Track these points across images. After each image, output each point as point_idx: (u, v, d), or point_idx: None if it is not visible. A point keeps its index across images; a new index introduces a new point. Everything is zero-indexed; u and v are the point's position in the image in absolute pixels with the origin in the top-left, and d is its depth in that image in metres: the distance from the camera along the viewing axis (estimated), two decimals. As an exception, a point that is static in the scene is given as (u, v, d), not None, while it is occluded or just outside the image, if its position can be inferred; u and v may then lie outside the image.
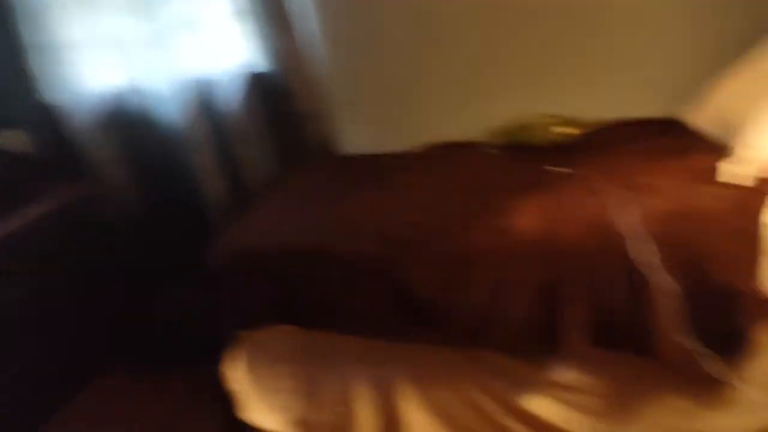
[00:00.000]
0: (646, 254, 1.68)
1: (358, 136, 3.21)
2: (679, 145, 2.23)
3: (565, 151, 2.46)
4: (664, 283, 1.65)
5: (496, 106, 2.74)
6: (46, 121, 3.04)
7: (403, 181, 2.45)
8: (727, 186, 1.83)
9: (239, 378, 2.21)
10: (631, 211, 1.79)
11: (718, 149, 2.07)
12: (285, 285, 2.06)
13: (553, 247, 1.79)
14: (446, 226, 2.00)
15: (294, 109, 3.16)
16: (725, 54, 2.39)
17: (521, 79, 2.89)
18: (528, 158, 2.46)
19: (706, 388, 1.78)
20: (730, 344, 1.69)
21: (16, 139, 3.05)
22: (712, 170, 1.94)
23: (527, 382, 1.91)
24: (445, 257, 1.90)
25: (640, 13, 2.77)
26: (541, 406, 1.90)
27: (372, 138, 3.14)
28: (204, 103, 3.13)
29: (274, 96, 3.15)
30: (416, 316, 1.89)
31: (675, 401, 1.82)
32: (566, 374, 1.86)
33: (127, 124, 3.11)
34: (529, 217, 1.92)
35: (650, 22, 2.76)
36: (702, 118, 2.31)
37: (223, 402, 2.22)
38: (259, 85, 3.14)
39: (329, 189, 2.53)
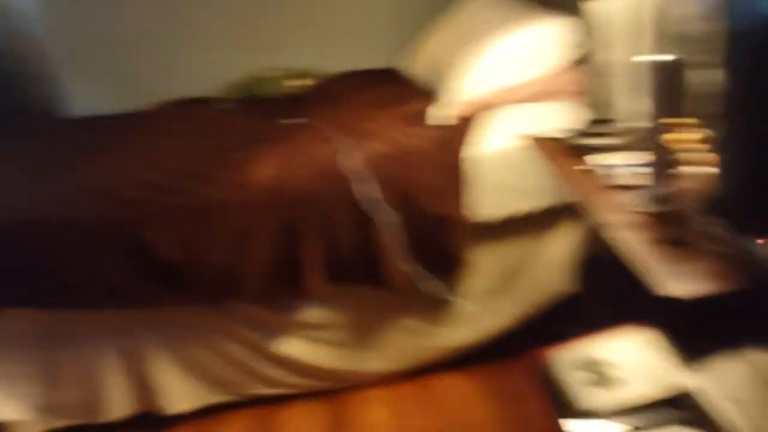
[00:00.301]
0: (370, 193, 1.83)
1: (85, 97, 2.95)
2: (397, 93, 2.42)
3: (298, 102, 2.54)
4: (386, 217, 1.83)
5: (229, 60, 2.72)
6: None
7: (139, 142, 2.33)
8: (435, 128, 2.05)
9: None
10: (355, 155, 1.93)
11: (430, 95, 2.30)
12: (17, 264, 1.87)
13: (287, 193, 1.86)
14: (185, 185, 1.96)
15: (10, 71, 2.80)
16: (437, 7, 2.64)
17: (253, 32, 2.89)
18: (263, 111, 2.49)
19: (431, 308, 2.02)
20: (446, 265, 1.94)
21: None
22: (423, 114, 2.16)
23: (276, 327, 1.99)
24: (186, 215, 1.87)
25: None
26: (291, 347, 2.00)
27: (101, 98, 2.91)
28: None
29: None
30: (164, 278, 1.85)
31: (407, 322, 2.04)
32: (311, 313, 1.98)
33: None
34: (264, 168, 1.96)
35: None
36: (416, 67, 2.54)
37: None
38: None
39: (57, 156, 2.31)
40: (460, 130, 2.00)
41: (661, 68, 1.08)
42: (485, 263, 2.02)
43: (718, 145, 1.04)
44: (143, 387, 2.01)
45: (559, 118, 1.79)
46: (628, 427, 0.92)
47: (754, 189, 1.00)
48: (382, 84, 2.59)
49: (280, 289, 1.89)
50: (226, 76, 2.71)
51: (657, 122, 1.16)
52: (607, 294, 1.67)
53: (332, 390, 2.10)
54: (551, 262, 2.05)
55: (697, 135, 1.21)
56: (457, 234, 1.91)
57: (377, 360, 2.07)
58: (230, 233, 1.86)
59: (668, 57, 1.07)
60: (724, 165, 1.03)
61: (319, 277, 1.86)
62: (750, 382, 0.93)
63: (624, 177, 1.36)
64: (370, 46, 2.91)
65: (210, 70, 2.72)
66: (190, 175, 2.01)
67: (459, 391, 2.05)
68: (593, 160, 1.47)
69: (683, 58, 1.07)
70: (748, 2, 0.90)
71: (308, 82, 2.71)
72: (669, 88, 1.09)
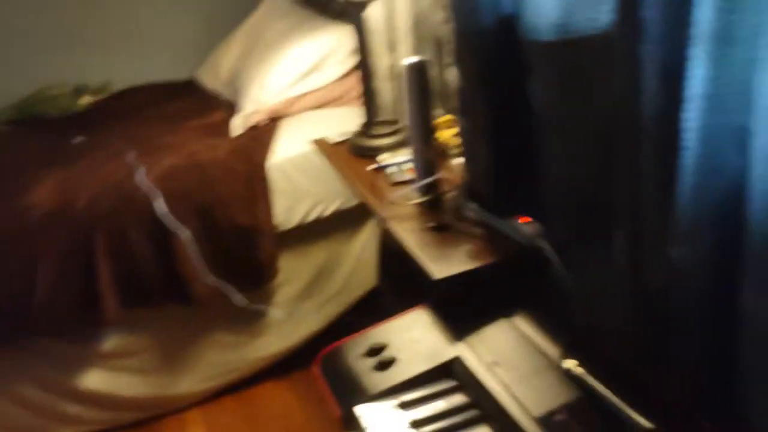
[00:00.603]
0: (163, 208, 1.78)
1: None
2: (197, 105, 2.38)
3: (91, 119, 2.40)
4: (183, 232, 1.78)
5: (9, 78, 2.50)
6: None
7: None
8: (235, 138, 2.04)
9: None
10: (151, 171, 1.86)
11: (229, 106, 2.29)
12: None
13: (74, 216, 1.75)
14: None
15: None
16: (236, 18, 2.62)
17: (37, 47, 2.67)
18: (46, 131, 2.32)
19: (242, 320, 2.00)
20: (254, 276, 1.93)
21: None
22: (226, 124, 2.14)
23: (76, 360, 1.86)
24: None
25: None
26: (94, 380, 1.88)
27: None
28: None
29: None
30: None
31: (219, 337, 2.00)
32: (112, 341, 1.87)
33: None
34: (45, 192, 1.82)
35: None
36: (215, 79, 2.50)
37: None
38: None
39: None
40: (259, 139, 2.00)
41: (410, 70, 1.17)
42: (293, 269, 2.03)
43: (461, 136, 1.15)
44: None
45: (347, 122, 1.86)
46: (397, 402, 0.98)
47: (494, 175, 1.11)
48: (182, 96, 2.52)
49: (74, 318, 1.77)
50: (6, 96, 2.48)
51: (417, 120, 1.25)
52: (399, 283, 1.76)
53: (144, 419, 2.00)
54: (356, 261, 2.12)
55: (454, 129, 1.32)
56: (262, 243, 1.90)
57: (191, 381, 2.00)
58: (11, 264, 1.71)
59: (414, 59, 1.16)
60: (467, 155, 1.14)
61: (116, 302, 1.77)
62: (512, 343, 1.03)
63: (399, 173, 1.44)
64: (170, 58, 2.82)
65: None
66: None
67: (278, 399, 2.05)
68: (376, 159, 1.55)
69: (427, 59, 1.16)
70: (469, 5, 1.00)
71: (98, 97, 2.56)
72: (418, 88, 1.18)
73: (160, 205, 1.78)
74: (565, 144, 1.04)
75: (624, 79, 0.83)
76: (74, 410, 1.90)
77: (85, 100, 2.56)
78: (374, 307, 2.04)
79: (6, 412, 1.84)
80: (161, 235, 1.80)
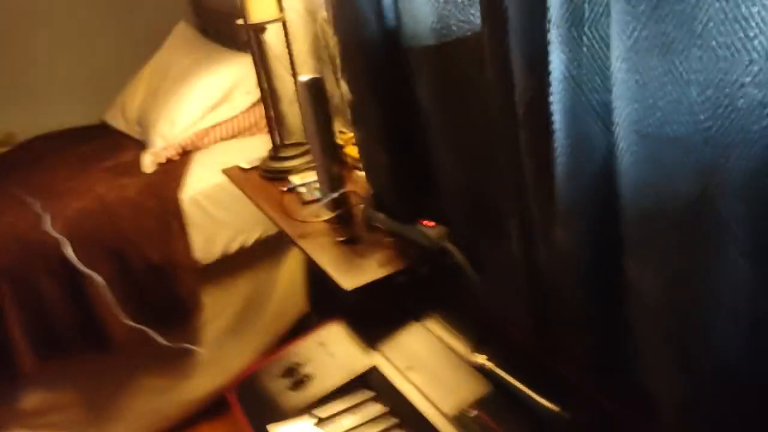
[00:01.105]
0: (72, 255, 1.71)
1: None
2: (106, 146, 2.31)
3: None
4: (95, 278, 1.71)
5: None
6: None
7: None
8: (146, 176, 1.99)
9: None
10: (57, 218, 1.79)
11: (139, 145, 2.24)
12: None
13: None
14: None
15: None
16: (140, 57, 2.58)
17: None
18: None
19: (169, 361, 1.93)
20: (176, 314, 1.88)
21: None
22: (137, 163, 2.09)
23: (-7, 424, 1.76)
24: None
25: (65, 34, 2.76)
26: (14, 442, 1.77)
27: None
28: None
29: None
30: None
31: (147, 382, 1.92)
32: (31, 398, 1.77)
33: None
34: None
35: (73, 41, 2.78)
36: (123, 119, 2.45)
37: None
38: None
39: None
40: (170, 173, 1.96)
41: (304, 87, 1.17)
42: (218, 304, 1.99)
43: (358, 147, 1.15)
44: None
45: (260, 150, 1.85)
46: (314, 419, 0.96)
47: (393, 183, 1.12)
48: (91, 140, 2.45)
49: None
50: None
51: (317, 136, 1.25)
52: (326, 304, 1.74)
53: (74, 478, 1.90)
54: (284, 288, 2.08)
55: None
56: (180, 279, 1.85)
57: (121, 431, 1.92)
58: None
59: (308, 77, 1.17)
60: (366, 165, 1.14)
61: (31, 355, 1.68)
62: (425, 345, 1.03)
63: (309, 192, 1.44)
64: (77, 103, 2.75)
65: None
66: None
67: (216, 439, 1.99)
68: (286, 182, 1.54)
69: (321, 77, 1.17)
70: (351, 16, 1.02)
71: (6, 149, 2.47)
72: (315, 105, 1.18)
73: (69, 252, 1.71)
74: (453, 144, 1.06)
75: (497, 72, 0.86)
76: (-5, 478, 1.78)
77: (-12, 151, 2.46)
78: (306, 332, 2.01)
79: None
80: (73, 282, 1.72)
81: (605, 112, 0.74)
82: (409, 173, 1.13)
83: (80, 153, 2.32)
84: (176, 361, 1.94)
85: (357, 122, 1.11)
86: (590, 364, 0.85)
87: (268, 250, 2.05)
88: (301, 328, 2.10)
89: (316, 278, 1.98)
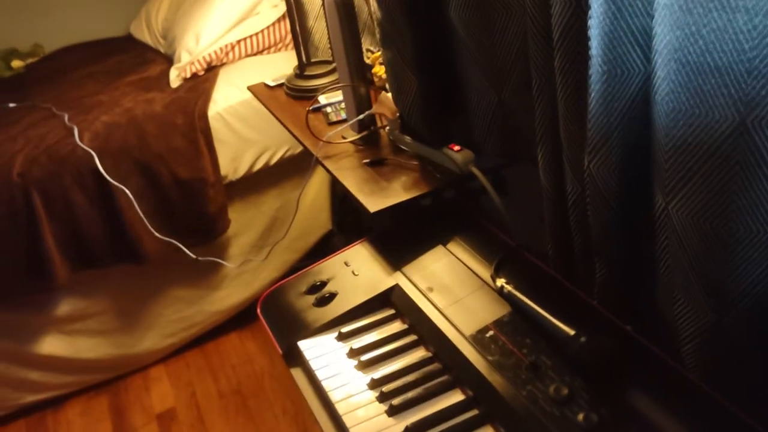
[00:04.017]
0: (105, 168, 1.74)
1: None
2: (133, 60, 2.31)
3: (23, 83, 2.31)
4: (121, 190, 1.75)
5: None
6: None
7: None
8: (173, 90, 1.99)
9: None
10: (84, 130, 1.81)
11: (166, 59, 2.22)
12: None
13: (11, 182, 1.70)
14: None
15: None
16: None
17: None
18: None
19: (198, 274, 1.99)
20: (205, 229, 1.92)
21: None
22: (163, 78, 2.08)
23: (32, 328, 1.84)
24: None
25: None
26: (51, 346, 1.87)
27: None
28: None
29: None
30: None
31: (176, 293, 1.99)
32: (66, 306, 1.85)
33: None
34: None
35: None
36: (149, 32, 2.42)
37: None
38: None
39: None
40: (197, 90, 1.95)
41: (332, 2, 1.14)
42: (245, 220, 2.03)
43: (386, 69, 1.13)
44: None
45: (287, 67, 1.82)
46: (337, 334, 1.00)
47: (422, 105, 1.11)
48: (117, 53, 2.44)
49: (24, 286, 1.74)
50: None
51: (345, 55, 1.23)
52: (350, 223, 1.77)
53: (109, 380, 2.01)
54: (308, 206, 2.11)
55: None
56: (209, 195, 1.88)
57: (152, 338, 2.01)
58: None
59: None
60: (394, 87, 1.12)
61: (65, 265, 1.75)
62: (447, 268, 1.04)
63: (336, 113, 1.43)
64: (103, 15, 2.71)
65: None
66: None
67: (241, 349, 2.07)
68: (311, 101, 1.53)
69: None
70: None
71: (34, 60, 2.47)
72: (343, 22, 1.15)
73: (99, 165, 1.74)
74: (484, 67, 1.03)
75: (533, -6, 0.83)
76: (36, 377, 1.89)
77: (16, 64, 2.46)
78: (330, 249, 2.05)
79: (-35, 385, 1.83)
80: (103, 195, 1.76)
81: (645, 39, 0.72)
82: (438, 96, 1.11)
83: (107, 66, 2.32)
84: (204, 273, 2.00)
85: (386, 42, 1.08)
86: (611, 291, 0.86)
87: (293, 168, 2.06)
88: (323, 245, 2.14)
89: (340, 198, 2.00)
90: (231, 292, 2.08)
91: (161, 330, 2.02)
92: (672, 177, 0.73)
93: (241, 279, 2.07)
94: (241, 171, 1.95)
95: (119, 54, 2.39)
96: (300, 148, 2.00)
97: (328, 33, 1.55)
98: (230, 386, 1.95)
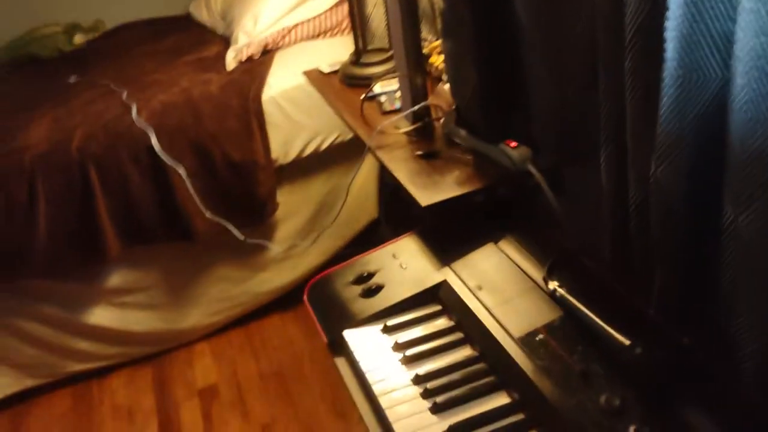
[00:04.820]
0: (160, 146, 1.77)
1: None
2: (191, 40, 2.34)
3: (83, 59, 2.37)
4: (180, 169, 1.78)
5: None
6: None
7: None
8: (229, 72, 2.01)
9: None
10: (142, 108, 1.84)
11: (223, 40, 2.24)
12: None
13: (70, 156, 1.74)
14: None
15: None
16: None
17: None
18: (40, 72, 2.30)
19: (244, 255, 2.02)
20: (254, 211, 1.94)
21: None
22: (219, 59, 2.10)
23: (83, 299, 1.90)
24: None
25: None
26: (100, 317, 1.92)
27: None
28: None
29: None
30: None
31: (222, 272, 2.02)
32: (116, 278, 1.90)
33: None
34: (44, 131, 1.82)
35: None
36: (208, 12, 2.45)
37: None
38: None
39: None
40: (252, 72, 1.97)
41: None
42: (293, 204, 2.04)
43: (446, 60, 1.11)
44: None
45: (342, 53, 1.82)
46: (382, 326, 0.99)
47: (481, 99, 1.08)
48: (176, 32, 2.48)
49: (77, 258, 1.79)
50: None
51: (404, 44, 1.21)
52: (397, 214, 1.75)
53: (154, 353, 2.06)
54: (355, 193, 2.11)
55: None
56: (260, 178, 1.90)
57: (198, 315, 2.04)
58: (9, 206, 1.72)
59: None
60: (453, 79, 1.10)
61: (117, 240, 1.79)
62: (497, 267, 1.03)
63: (390, 102, 1.41)
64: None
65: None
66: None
67: (283, 331, 2.09)
68: (366, 89, 1.52)
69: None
70: None
71: (89, 36, 2.52)
72: (404, 9, 1.13)
73: (155, 143, 1.77)
74: (549, 64, 1.00)
75: (606, -10, 0.80)
76: (84, 346, 1.95)
77: (78, 39, 2.52)
78: (375, 238, 2.05)
79: (16, 349, 1.89)
80: (158, 173, 1.80)
81: (725, 44, 0.69)
82: (498, 90, 1.09)
83: (165, 45, 2.35)
84: (250, 255, 2.03)
85: (447, 32, 1.06)
86: (670, 301, 0.83)
87: (342, 154, 2.06)
88: (369, 233, 2.14)
89: (388, 187, 1.99)
90: (276, 275, 2.10)
91: (207, 308, 2.06)
92: (745, 189, 0.70)
93: (286, 262, 2.09)
94: (292, 155, 1.96)
95: (178, 33, 2.43)
96: (350, 135, 2.00)
97: (387, 20, 1.54)
98: (271, 368, 1.97)
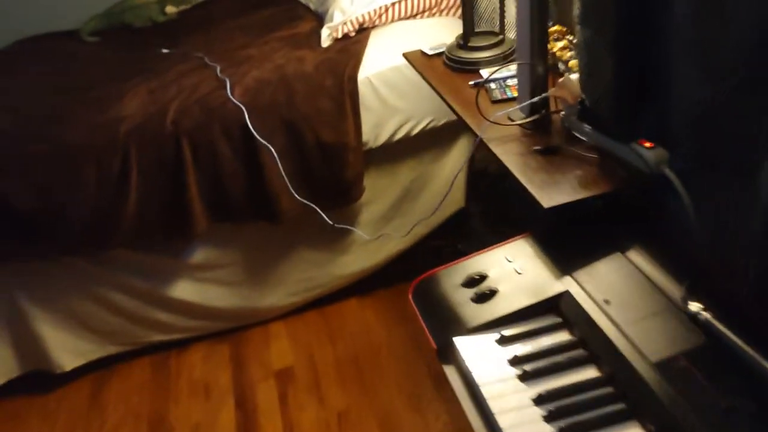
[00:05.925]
0: (252, 124, 1.73)
1: None
2: (283, 15, 2.29)
3: (175, 30, 2.36)
4: (267, 148, 1.74)
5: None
6: None
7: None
8: (322, 50, 1.95)
9: None
10: (235, 84, 1.81)
11: (317, 16, 2.19)
12: None
13: (162, 129, 1.73)
14: (40, 130, 1.79)
15: None
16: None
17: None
18: (136, 42, 2.31)
19: (327, 237, 1.98)
20: (340, 193, 1.89)
21: None
22: (313, 36, 2.05)
23: (164, 271, 1.90)
24: (42, 162, 1.71)
25: None
26: (182, 290, 1.92)
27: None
28: None
29: None
30: (21, 230, 1.70)
31: (303, 254, 1.99)
32: (200, 254, 1.89)
33: None
34: (132, 104, 1.82)
35: None
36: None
37: None
38: None
39: None
40: (348, 51, 1.91)
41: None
42: (379, 189, 1.98)
43: (580, 49, 1.02)
44: (28, 346, 1.88)
45: (440, 34, 1.73)
46: (497, 336, 0.92)
47: (616, 93, 0.99)
48: (268, 5, 2.44)
49: (164, 231, 1.79)
50: (92, 5, 2.47)
51: (529, 30, 1.12)
52: (490, 208, 1.67)
53: (231, 329, 2.05)
54: (443, 181, 2.03)
55: (563, 41, 1.18)
56: (349, 161, 1.84)
57: (276, 295, 2.02)
58: (97, 177, 1.72)
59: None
60: (586, 70, 1.01)
61: (204, 216, 1.77)
62: (627, 280, 0.94)
63: (502, 90, 1.33)
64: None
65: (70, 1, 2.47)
66: (46, 119, 1.83)
67: (360, 317, 2.05)
68: (474, 74, 1.43)
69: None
70: None
71: (181, 7, 2.52)
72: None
73: (247, 120, 1.74)
74: (702, 62, 0.90)
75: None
76: (165, 318, 1.96)
77: (170, 10, 2.52)
78: (460, 229, 1.97)
79: (100, 318, 1.92)
80: (249, 150, 1.76)
81: None
82: (636, 84, 0.99)
83: (256, 19, 2.32)
84: (333, 237, 1.99)
85: (586, 19, 0.97)
86: None
87: (432, 140, 1.98)
88: (454, 223, 2.06)
89: (481, 179, 1.90)
90: (356, 258, 2.06)
91: (286, 288, 2.03)
92: None
93: (368, 247, 2.04)
94: (382, 139, 1.89)
95: (269, 7, 2.39)
96: (443, 121, 1.92)
97: (500, 2, 1.45)
98: (347, 354, 1.94)
